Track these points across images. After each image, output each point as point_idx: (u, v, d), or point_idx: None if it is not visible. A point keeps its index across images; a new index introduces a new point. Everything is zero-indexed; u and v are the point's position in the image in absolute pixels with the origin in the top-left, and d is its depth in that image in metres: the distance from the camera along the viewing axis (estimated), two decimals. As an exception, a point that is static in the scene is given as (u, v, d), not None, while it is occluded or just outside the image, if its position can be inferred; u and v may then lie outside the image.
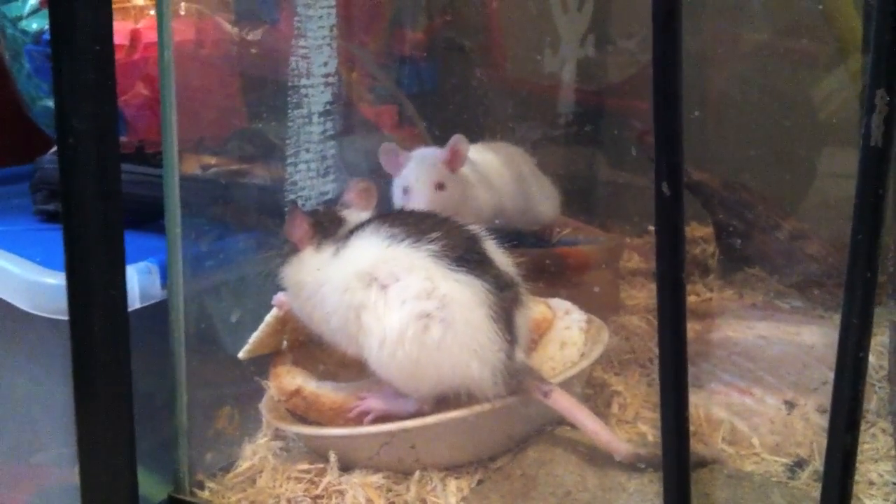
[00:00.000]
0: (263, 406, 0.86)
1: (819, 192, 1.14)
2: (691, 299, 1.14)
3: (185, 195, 0.81)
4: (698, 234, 1.30)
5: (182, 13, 0.93)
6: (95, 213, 0.70)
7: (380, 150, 0.94)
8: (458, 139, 0.93)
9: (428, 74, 1.28)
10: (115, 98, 0.69)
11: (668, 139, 0.58)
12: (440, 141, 1.04)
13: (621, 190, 1.34)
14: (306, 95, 0.91)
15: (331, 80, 0.94)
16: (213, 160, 1.02)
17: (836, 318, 0.78)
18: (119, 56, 1.09)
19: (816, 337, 0.95)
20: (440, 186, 0.93)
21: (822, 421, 0.88)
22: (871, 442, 0.82)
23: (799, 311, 1.04)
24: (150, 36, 1.03)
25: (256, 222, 0.94)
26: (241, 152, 1.03)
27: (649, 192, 1.37)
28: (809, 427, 0.84)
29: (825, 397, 0.87)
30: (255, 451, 0.86)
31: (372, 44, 1.23)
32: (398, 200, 0.94)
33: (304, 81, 0.91)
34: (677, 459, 0.61)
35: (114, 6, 0.65)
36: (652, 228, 1.45)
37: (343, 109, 1.07)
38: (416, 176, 0.92)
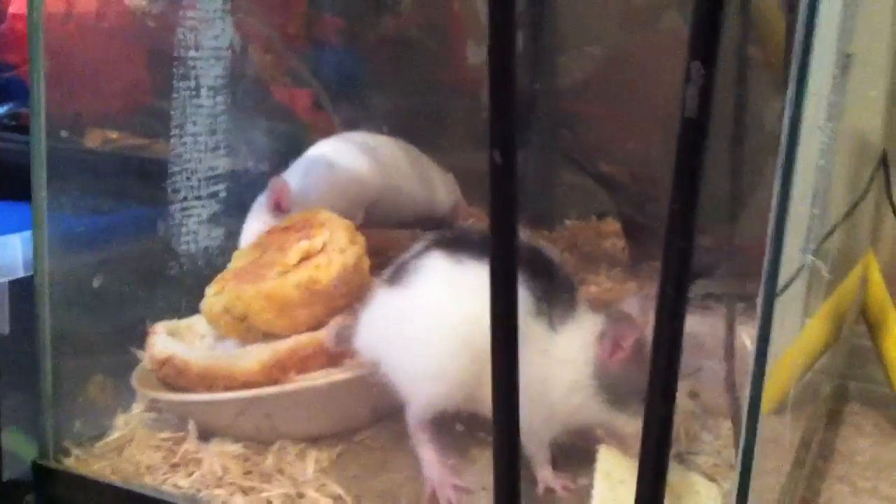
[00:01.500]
0: (135, 376, 0.86)
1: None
2: (591, 289, 1.16)
3: (64, 166, 0.81)
4: (612, 228, 1.32)
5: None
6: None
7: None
8: (275, 181, 0.93)
9: (348, 63, 1.29)
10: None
11: (501, 109, 0.59)
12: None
13: (541, 185, 1.36)
14: (193, 67, 0.91)
15: (223, 53, 0.94)
16: (115, 135, 1.03)
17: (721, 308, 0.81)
18: (19, 26, 1.09)
19: (699, 326, 0.96)
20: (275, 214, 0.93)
21: (692, 405, 0.89)
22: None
23: (691, 301, 1.05)
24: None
25: (134, 195, 0.94)
26: (145, 128, 1.03)
27: (567, 186, 1.38)
28: (678, 411, 0.85)
29: (699, 383, 0.89)
30: (128, 422, 0.86)
31: (288, 25, 1.23)
32: None
33: (191, 53, 0.91)
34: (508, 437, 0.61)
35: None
36: (568, 222, 1.46)
37: (249, 87, 1.07)
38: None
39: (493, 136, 0.60)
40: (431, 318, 0.72)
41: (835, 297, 1.36)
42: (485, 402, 0.58)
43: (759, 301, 0.59)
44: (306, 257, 0.82)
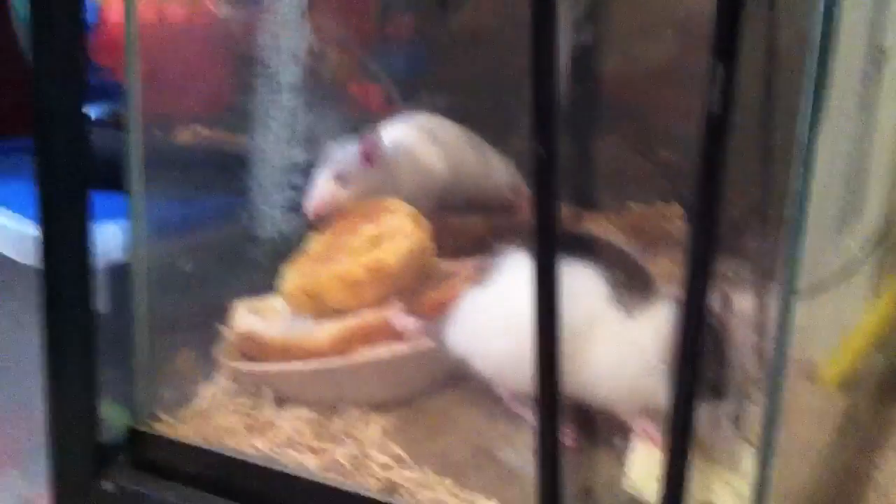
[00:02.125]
0: (219, 349, 0.94)
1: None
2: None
3: (158, 161, 0.89)
4: (676, 212, 1.35)
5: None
6: (64, 170, 0.79)
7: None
8: (369, 134, 0.95)
9: (418, 58, 1.35)
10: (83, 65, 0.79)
11: (543, 105, 0.64)
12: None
13: (606, 170, 1.39)
14: (274, 68, 0.99)
15: (301, 55, 1.01)
16: (206, 132, 1.12)
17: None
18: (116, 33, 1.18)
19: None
20: (342, 179, 0.95)
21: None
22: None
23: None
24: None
25: (222, 187, 1.02)
26: (231, 126, 1.11)
27: (633, 171, 1.41)
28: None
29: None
30: (212, 392, 0.93)
31: (362, 25, 1.30)
32: None
33: (272, 55, 0.99)
34: (549, 402, 0.67)
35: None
36: (633, 206, 1.49)
37: (326, 85, 1.14)
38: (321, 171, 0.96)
39: (537, 131, 0.66)
40: (513, 312, 0.76)
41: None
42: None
43: (782, 292, 0.62)
44: (375, 242, 0.89)
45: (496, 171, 1.10)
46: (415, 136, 1.03)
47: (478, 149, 1.09)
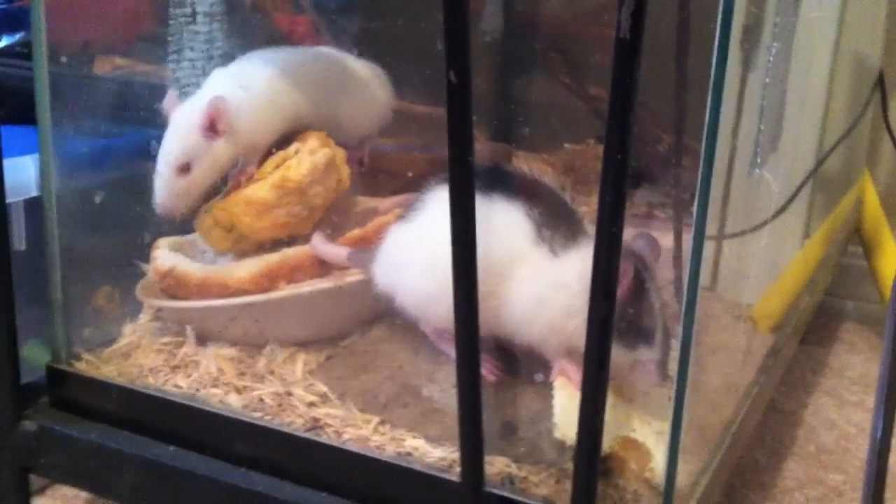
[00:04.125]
0: (140, 287, 0.92)
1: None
2: (584, 209, 1.20)
3: (67, 92, 0.86)
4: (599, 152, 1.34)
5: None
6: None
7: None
8: (215, 100, 0.86)
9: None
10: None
11: (455, 31, 0.63)
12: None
13: (539, 110, 1.38)
14: (192, -5, 0.96)
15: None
16: (122, 62, 1.08)
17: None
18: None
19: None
20: (184, 169, 0.86)
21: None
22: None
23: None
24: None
25: (140, 120, 0.99)
26: (148, 56, 1.07)
27: (566, 110, 1.41)
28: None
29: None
30: (135, 330, 0.92)
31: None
32: None
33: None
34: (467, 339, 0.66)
35: None
36: (567, 146, 1.49)
37: (249, 16, 1.11)
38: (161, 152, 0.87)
39: (449, 56, 0.64)
40: (436, 247, 0.74)
41: (831, 217, 1.39)
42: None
43: (694, 213, 0.62)
44: (281, 163, 0.88)
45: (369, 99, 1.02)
46: (258, 84, 0.92)
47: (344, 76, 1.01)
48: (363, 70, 1.01)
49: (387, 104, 1.02)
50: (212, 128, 0.86)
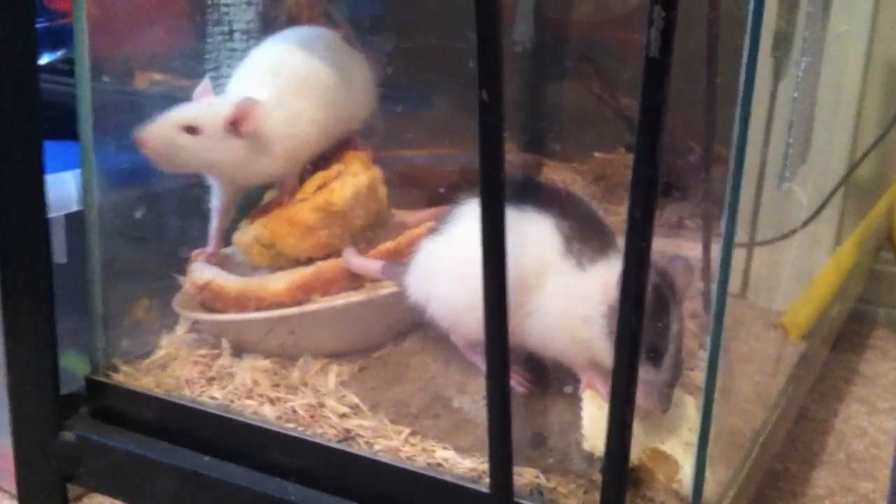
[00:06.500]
0: (177, 299, 0.94)
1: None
2: (615, 220, 1.20)
3: (108, 107, 0.88)
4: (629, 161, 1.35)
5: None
6: (14, 124, 0.78)
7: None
8: (247, 102, 0.85)
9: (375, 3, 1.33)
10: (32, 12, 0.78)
11: (488, 48, 0.63)
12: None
13: (569, 118, 1.39)
14: (227, 14, 0.97)
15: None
16: (160, 77, 1.10)
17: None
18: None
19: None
20: (189, 130, 0.85)
21: (693, 325, 0.94)
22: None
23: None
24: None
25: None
26: (186, 70, 1.09)
27: (596, 119, 1.41)
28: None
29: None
30: (172, 342, 0.94)
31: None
32: None
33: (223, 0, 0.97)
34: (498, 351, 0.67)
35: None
36: (597, 154, 1.50)
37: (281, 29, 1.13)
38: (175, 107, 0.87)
39: (482, 75, 0.65)
40: (467, 260, 0.76)
41: (863, 224, 1.38)
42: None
43: (723, 224, 0.62)
44: (323, 185, 0.89)
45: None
46: (289, 95, 0.90)
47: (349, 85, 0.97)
48: (358, 58, 1.00)
49: (374, 92, 0.99)
50: (236, 124, 0.86)
